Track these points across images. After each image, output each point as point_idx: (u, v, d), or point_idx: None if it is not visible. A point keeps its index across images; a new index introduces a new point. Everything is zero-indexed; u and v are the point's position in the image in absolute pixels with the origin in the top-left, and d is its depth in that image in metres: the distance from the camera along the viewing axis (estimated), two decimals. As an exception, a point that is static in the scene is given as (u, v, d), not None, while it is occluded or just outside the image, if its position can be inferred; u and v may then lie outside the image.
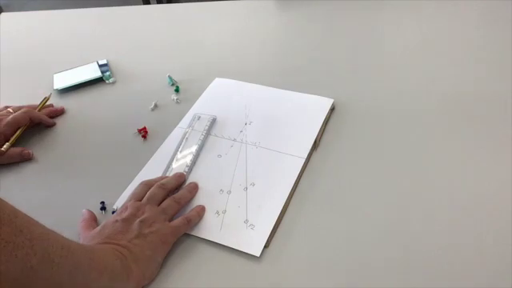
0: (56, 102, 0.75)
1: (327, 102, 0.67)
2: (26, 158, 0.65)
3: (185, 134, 0.65)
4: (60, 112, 0.73)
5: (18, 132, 0.66)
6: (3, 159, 0.63)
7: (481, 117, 0.63)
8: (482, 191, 0.54)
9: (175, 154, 0.63)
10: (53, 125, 0.71)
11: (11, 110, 0.69)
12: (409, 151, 0.59)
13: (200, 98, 0.72)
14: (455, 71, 0.71)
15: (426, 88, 0.69)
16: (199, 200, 0.57)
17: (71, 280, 0.41)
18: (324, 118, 0.65)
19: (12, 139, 0.65)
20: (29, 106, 0.71)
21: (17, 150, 0.65)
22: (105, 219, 0.53)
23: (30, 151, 0.65)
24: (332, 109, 0.67)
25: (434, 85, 0.69)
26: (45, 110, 0.72)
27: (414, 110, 0.65)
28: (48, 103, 0.73)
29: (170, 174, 0.60)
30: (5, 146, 0.64)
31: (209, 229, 0.53)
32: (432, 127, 0.62)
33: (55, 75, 0.80)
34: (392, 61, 0.75)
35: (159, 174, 0.60)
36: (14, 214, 0.38)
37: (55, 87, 0.77)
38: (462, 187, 0.54)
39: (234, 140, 0.64)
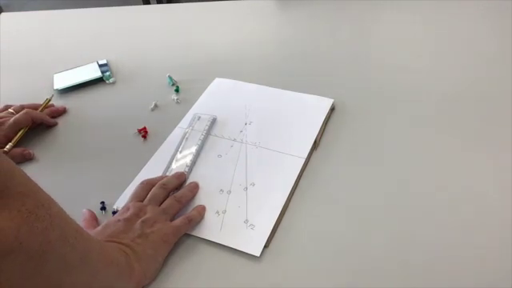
0: (56, 102, 0.75)
1: (327, 102, 0.67)
2: (27, 158, 0.65)
3: (185, 134, 0.65)
4: (61, 111, 0.73)
5: (20, 133, 0.66)
6: None
7: (481, 116, 0.63)
8: (483, 191, 0.54)
9: (175, 153, 0.63)
10: (55, 124, 0.71)
11: (12, 110, 0.69)
12: (409, 151, 0.59)
13: (200, 98, 0.72)
14: (455, 71, 0.71)
15: (426, 88, 0.69)
16: (199, 200, 0.57)
17: (81, 265, 0.41)
18: (324, 118, 0.65)
19: (14, 140, 0.65)
20: (30, 106, 0.71)
21: (18, 150, 0.65)
22: (105, 219, 0.53)
23: (31, 151, 0.65)
24: (332, 109, 0.67)
25: (434, 85, 0.69)
26: (46, 110, 0.72)
27: (414, 109, 0.65)
28: (49, 103, 0.74)
29: (170, 173, 0.60)
30: (7, 147, 0.64)
31: (209, 229, 0.53)
32: (432, 127, 0.62)
33: (55, 75, 0.80)
34: (392, 61, 0.75)
35: (159, 174, 0.60)
36: (37, 188, 0.38)
37: (55, 87, 0.77)
38: (462, 187, 0.54)
39: (234, 140, 0.64)
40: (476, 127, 0.62)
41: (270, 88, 0.72)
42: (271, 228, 0.52)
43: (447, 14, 0.84)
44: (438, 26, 0.82)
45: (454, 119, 0.63)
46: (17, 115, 0.67)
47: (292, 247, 0.50)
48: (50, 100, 0.73)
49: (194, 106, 0.71)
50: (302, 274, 0.48)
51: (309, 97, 0.69)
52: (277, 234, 0.52)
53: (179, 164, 0.61)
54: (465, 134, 0.61)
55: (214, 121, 0.67)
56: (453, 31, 0.80)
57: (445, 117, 0.64)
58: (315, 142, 0.62)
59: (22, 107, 0.70)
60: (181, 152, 0.63)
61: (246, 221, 0.53)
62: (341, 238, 0.51)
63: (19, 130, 0.66)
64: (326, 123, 0.65)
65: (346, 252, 0.49)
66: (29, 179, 0.38)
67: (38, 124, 0.69)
